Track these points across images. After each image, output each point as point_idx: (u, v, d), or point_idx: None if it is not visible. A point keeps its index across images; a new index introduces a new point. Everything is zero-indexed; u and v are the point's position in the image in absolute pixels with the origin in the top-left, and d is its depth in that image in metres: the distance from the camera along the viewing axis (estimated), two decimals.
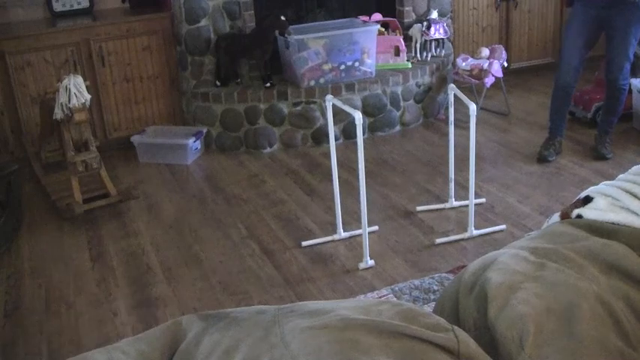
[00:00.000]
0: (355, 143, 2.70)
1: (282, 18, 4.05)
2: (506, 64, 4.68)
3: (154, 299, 2.70)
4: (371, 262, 2.81)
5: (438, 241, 2.97)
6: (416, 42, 4.59)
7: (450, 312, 1.16)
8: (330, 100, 2.92)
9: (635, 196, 1.23)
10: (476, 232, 2.99)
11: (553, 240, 1.21)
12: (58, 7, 4.45)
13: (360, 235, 2.93)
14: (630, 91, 4.10)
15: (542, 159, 3.76)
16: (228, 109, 4.24)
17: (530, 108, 4.74)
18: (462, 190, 3.32)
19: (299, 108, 4.21)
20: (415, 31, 4.59)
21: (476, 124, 2.82)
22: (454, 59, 4.80)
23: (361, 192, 2.69)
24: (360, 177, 2.68)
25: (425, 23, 4.59)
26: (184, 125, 4.48)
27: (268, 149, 4.27)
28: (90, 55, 4.17)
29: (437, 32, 4.59)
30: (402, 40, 4.51)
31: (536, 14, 5.35)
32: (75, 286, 2.85)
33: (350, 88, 4.22)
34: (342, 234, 3.06)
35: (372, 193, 3.44)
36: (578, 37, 3.56)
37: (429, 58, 4.64)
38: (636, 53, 4.20)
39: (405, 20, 4.72)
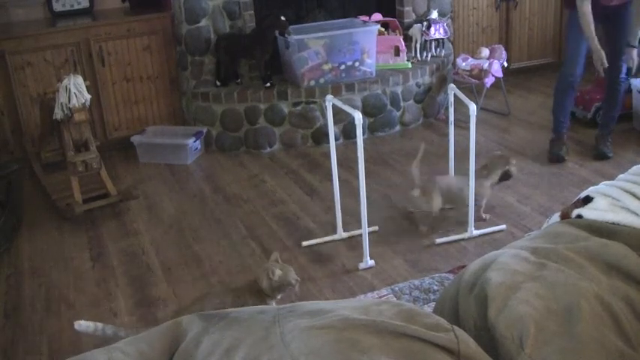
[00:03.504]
0: (355, 143, 2.70)
1: (282, 18, 4.05)
2: (506, 64, 4.68)
3: (154, 299, 2.70)
4: (371, 262, 2.81)
5: (438, 241, 2.98)
6: (416, 42, 4.59)
7: (450, 312, 1.16)
8: (330, 100, 2.92)
9: (635, 196, 1.22)
10: (476, 232, 2.99)
11: (553, 240, 1.21)
12: (58, 7, 4.45)
13: (360, 235, 2.93)
14: (630, 91, 4.11)
15: (558, 159, 3.76)
16: (228, 109, 4.24)
17: (530, 108, 4.74)
18: None
19: (299, 108, 4.21)
20: (415, 31, 4.59)
21: (476, 124, 2.82)
22: (454, 59, 4.80)
23: (361, 192, 2.68)
24: (360, 177, 2.68)
25: (425, 23, 4.59)
26: (184, 125, 4.48)
27: (268, 149, 4.27)
28: (90, 55, 4.17)
29: (437, 32, 4.59)
30: (402, 40, 4.51)
31: (536, 14, 5.35)
32: (75, 286, 2.85)
33: (350, 88, 4.22)
34: (342, 234, 3.06)
35: (372, 193, 3.44)
36: (582, 35, 3.61)
37: (429, 58, 4.64)
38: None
39: (405, 20, 4.72)
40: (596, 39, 3.47)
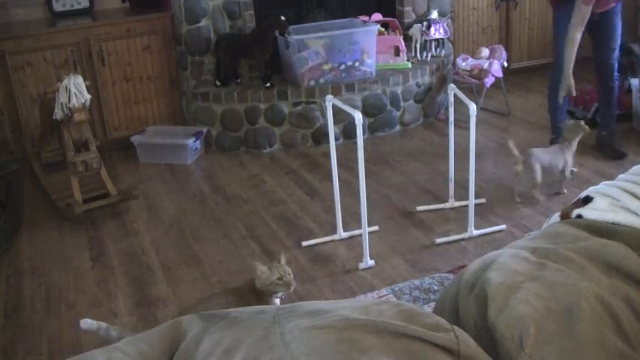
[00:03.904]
0: (355, 143, 2.70)
1: (282, 18, 4.05)
2: (506, 64, 4.68)
3: (154, 299, 2.70)
4: (371, 262, 2.81)
5: (438, 241, 2.98)
6: (416, 42, 4.59)
7: (450, 312, 1.16)
8: (330, 100, 2.92)
9: (635, 196, 1.22)
10: (476, 232, 2.99)
11: (553, 240, 1.21)
12: (58, 7, 4.45)
13: (360, 235, 2.93)
14: (630, 91, 4.11)
15: None
16: (228, 109, 4.24)
17: (530, 108, 4.74)
18: (462, 190, 3.32)
19: (299, 108, 4.21)
20: (415, 31, 4.59)
21: (476, 124, 2.82)
22: (454, 59, 4.80)
23: (361, 192, 2.69)
24: (360, 177, 2.68)
25: (425, 23, 4.59)
26: (184, 125, 4.48)
27: (268, 149, 4.27)
28: (90, 55, 4.17)
29: (437, 32, 4.59)
30: (402, 40, 4.51)
31: (536, 14, 5.35)
32: (75, 286, 2.85)
33: (350, 88, 4.22)
34: (342, 234, 3.06)
35: (372, 193, 3.44)
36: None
37: (429, 58, 4.64)
38: (636, 53, 4.21)
39: (405, 20, 4.72)
40: (571, 67, 3.48)
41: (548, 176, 3.36)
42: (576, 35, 3.42)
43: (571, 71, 3.49)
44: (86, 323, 2.06)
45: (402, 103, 4.44)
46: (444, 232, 3.07)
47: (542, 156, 3.31)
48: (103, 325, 2.09)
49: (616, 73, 3.73)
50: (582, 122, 3.41)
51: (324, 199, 3.48)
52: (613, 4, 3.53)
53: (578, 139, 3.37)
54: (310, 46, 4.15)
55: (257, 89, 4.22)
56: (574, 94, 3.56)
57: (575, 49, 3.45)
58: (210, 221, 3.35)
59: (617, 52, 3.70)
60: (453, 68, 4.73)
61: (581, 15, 3.38)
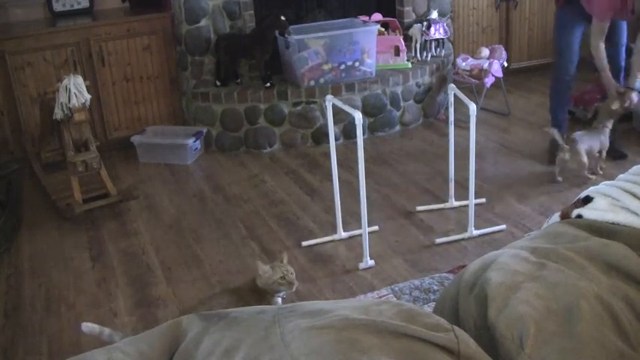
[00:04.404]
0: (355, 143, 2.70)
1: (282, 18, 4.05)
2: (506, 64, 4.68)
3: (154, 299, 2.70)
4: (371, 262, 2.81)
5: (438, 241, 2.98)
6: (416, 42, 4.59)
7: (450, 312, 1.16)
8: (330, 100, 2.92)
9: (635, 196, 1.23)
10: (476, 232, 2.99)
11: (553, 240, 1.21)
12: (58, 7, 4.45)
13: (360, 235, 2.93)
14: None
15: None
16: (228, 109, 4.24)
17: (530, 108, 4.74)
18: (462, 190, 3.32)
19: (299, 108, 4.21)
20: (415, 31, 4.59)
21: (476, 124, 2.82)
22: (454, 59, 4.80)
23: (361, 192, 2.68)
24: (360, 177, 2.68)
25: (425, 23, 4.59)
26: (184, 125, 4.48)
27: (268, 149, 4.27)
28: (90, 55, 4.17)
29: (437, 32, 4.59)
30: (402, 40, 4.51)
31: (536, 14, 5.35)
32: (75, 286, 2.85)
33: (350, 88, 4.22)
34: (342, 234, 3.06)
35: (372, 193, 3.44)
36: (574, 33, 3.65)
37: (429, 58, 4.64)
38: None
39: (405, 20, 4.72)
40: (608, 71, 3.49)
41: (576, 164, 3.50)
42: (600, 45, 3.45)
43: (609, 75, 3.51)
44: (87, 327, 2.05)
45: (402, 103, 4.44)
46: (444, 232, 3.06)
47: (586, 139, 3.43)
48: (107, 330, 2.06)
49: (623, 74, 3.72)
50: (615, 101, 3.47)
51: (324, 199, 3.48)
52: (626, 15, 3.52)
53: (609, 118, 3.48)
54: (310, 46, 4.15)
55: (257, 89, 4.22)
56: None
57: (604, 55, 3.47)
58: (210, 221, 3.35)
59: (624, 51, 3.68)
60: (453, 68, 4.73)
61: (598, 29, 3.42)
